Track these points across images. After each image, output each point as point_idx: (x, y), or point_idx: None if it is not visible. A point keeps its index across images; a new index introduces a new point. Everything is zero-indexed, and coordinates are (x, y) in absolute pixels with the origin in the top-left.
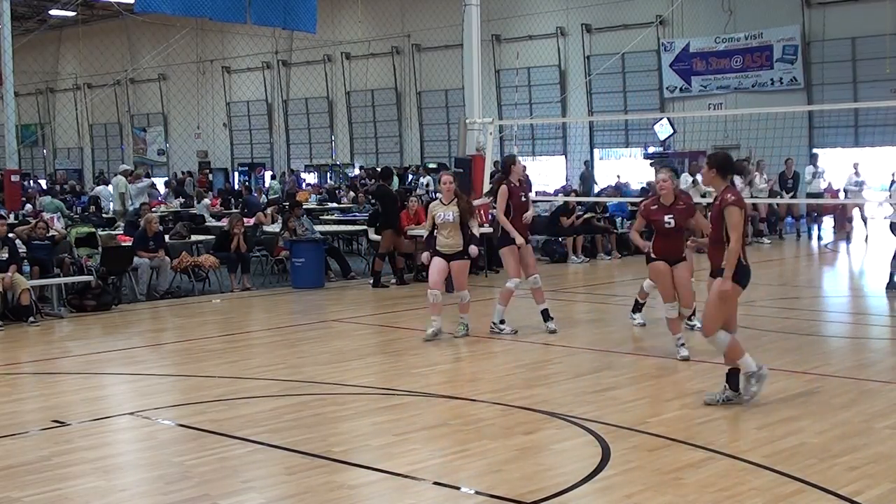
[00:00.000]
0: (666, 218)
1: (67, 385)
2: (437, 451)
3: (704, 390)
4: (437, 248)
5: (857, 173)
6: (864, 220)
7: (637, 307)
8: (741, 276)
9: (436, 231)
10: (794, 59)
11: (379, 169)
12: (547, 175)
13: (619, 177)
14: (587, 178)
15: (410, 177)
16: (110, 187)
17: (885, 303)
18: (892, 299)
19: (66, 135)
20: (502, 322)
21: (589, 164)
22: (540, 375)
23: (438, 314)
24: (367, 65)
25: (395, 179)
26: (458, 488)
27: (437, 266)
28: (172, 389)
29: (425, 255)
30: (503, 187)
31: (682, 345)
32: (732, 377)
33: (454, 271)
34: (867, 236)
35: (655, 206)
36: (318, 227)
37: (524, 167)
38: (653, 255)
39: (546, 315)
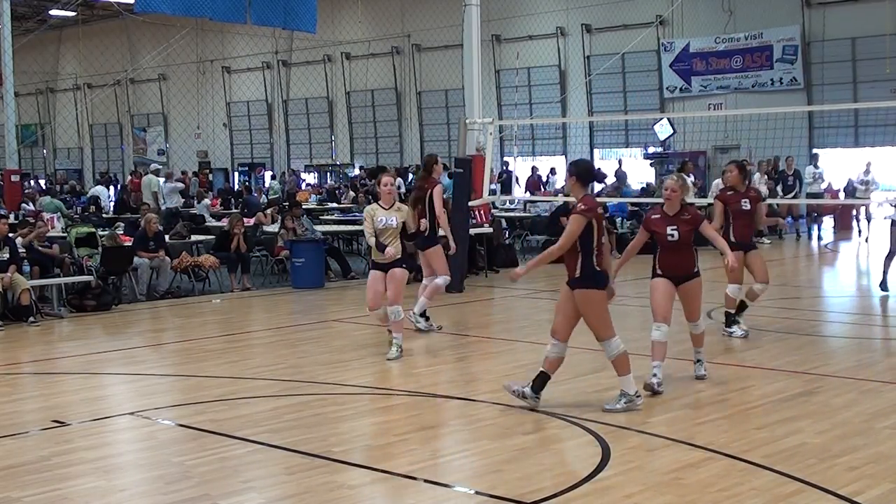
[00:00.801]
0: (668, 230)
1: (67, 385)
2: (437, 451)
3: (704, 390)
4: (373, 257)
5: (867, 171)
6: (868, 219)
7: (731, 320)
8: (597, 281)
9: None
10: (794, 59)
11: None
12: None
13: (620, 162)
14: (622, 177)
15: (410, 176)
16: (105, 189)
17: (886, 303)
18: (885, 299)
19: (66, 135)
20: (423, 315)
21: (621, 163)
22: None
23: (399, 331)
24: (367, 65)
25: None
26: (458, 488)
27: (372, 283)
28: (172, 389)
29: (388, 250)
30: (439, 186)
31: (655, 375)
32: (539, 380)
33: (389, 280)
34: (867, 237)
35: (658, 216)
36: (319, 227)
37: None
38: (658, 271)
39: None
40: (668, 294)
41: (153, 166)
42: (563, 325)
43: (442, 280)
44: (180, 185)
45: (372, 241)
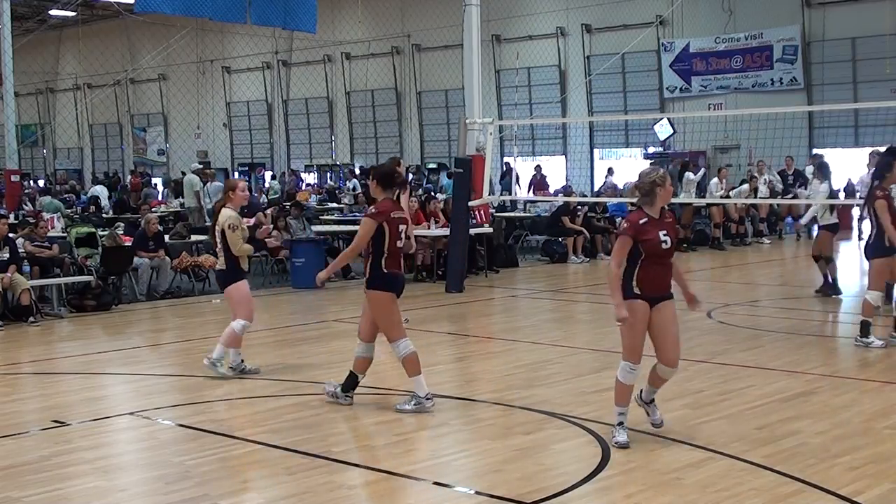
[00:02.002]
0: (661, 235)
1: (67, 385)
2: (437, 451)
3: (704, 390)
4: (244, 267)
5: (869, 172)
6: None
7: (866, 329)
8: (385, 283)
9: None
10: (794, 59)
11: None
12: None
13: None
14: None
15: (411, 176)
16: (104, 189)
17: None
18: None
19: (66, 135)
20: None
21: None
22: (540, 375)
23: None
24: (367, 65)
25: None
26: (459, 488)
27: (244, 291)
28: (172, 389)
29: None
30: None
31: (622, 424)
32: (351, 379)
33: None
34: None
35: (645, 220)
36: (319, 228)
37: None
38: (637, 290)
39: None
40: (646, 324)
41: (194, 166)
42: (365, 326)
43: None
44: (219, 183)
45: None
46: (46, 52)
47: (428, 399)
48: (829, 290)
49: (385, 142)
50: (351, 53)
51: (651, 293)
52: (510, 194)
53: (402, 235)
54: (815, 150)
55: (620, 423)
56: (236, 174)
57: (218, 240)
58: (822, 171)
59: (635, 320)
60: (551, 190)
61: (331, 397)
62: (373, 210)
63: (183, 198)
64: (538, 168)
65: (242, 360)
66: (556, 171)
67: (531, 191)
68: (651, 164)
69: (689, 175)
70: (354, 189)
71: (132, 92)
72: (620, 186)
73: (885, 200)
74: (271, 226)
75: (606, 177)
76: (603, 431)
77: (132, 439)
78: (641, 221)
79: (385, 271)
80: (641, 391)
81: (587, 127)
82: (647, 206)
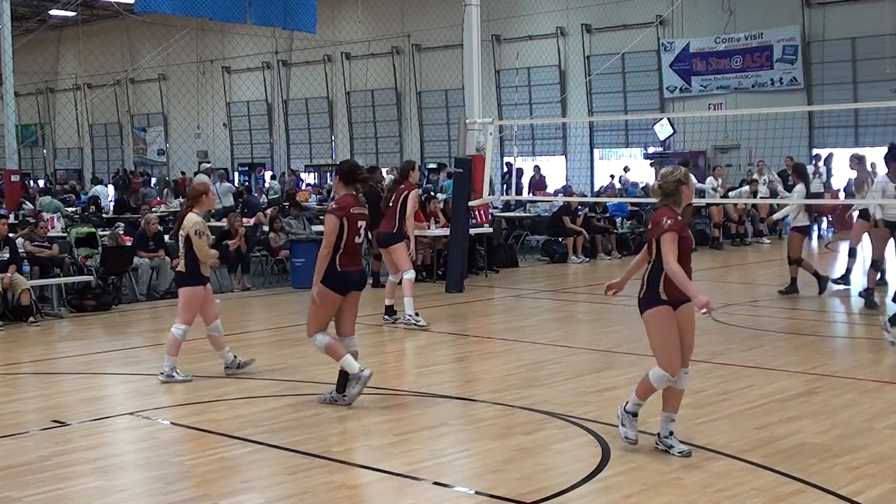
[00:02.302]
0: (689, 233)
1: (67, 385)
2: (437, 451)
3: (704, 390)
4: (203, 272)
5: (874, 173)
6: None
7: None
8: (334, 281)
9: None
10: (794, 59)
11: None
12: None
13: (612, 176)
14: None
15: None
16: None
17: (886, 303)
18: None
19: (66, 135)
20: (417, 314)
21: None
22: (540, 375)
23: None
24: (367, 65)
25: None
26: (459, 488)
27: (196, 297)
28: (172, 389)
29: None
30: (416, 191)
31: (635, 416)
32: (341, 378)
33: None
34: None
35: (679, 218)
36: (319, 227)
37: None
38: (664, 297)
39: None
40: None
41: (204, 166)
42: (338, 321)
43: (409, 275)
44: (233, 186)
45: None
46: (46, 52)
47: (344, 396)
48: (820, 284)
49: (385, 142)
50: (351, 53)
51: (675, 296)
52: (516, 193)
53: (362, 232)
54: (815, 150)
55: (635, 415)
56: (236, 174)
57: (181, 244)
58: (799, 173)
59: (670, 329)
60: (551, 190)
61: (329, 403)
62: (333, 205)
63: (183, 198)
64: (537, 168)
65: (235, 357)
66: (556, 171)
67: (530, 191)
68: (651, 164)
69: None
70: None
71: (132, 92)
72: (640, 184)
73: None
74: (240, 241)
75: (621, 175)
76: (603, 431)
77: (132, 439)
78: (678, 219)
79: (339, 269)
80: (626, 403)
81: (587, 127)
82: (674, 205)
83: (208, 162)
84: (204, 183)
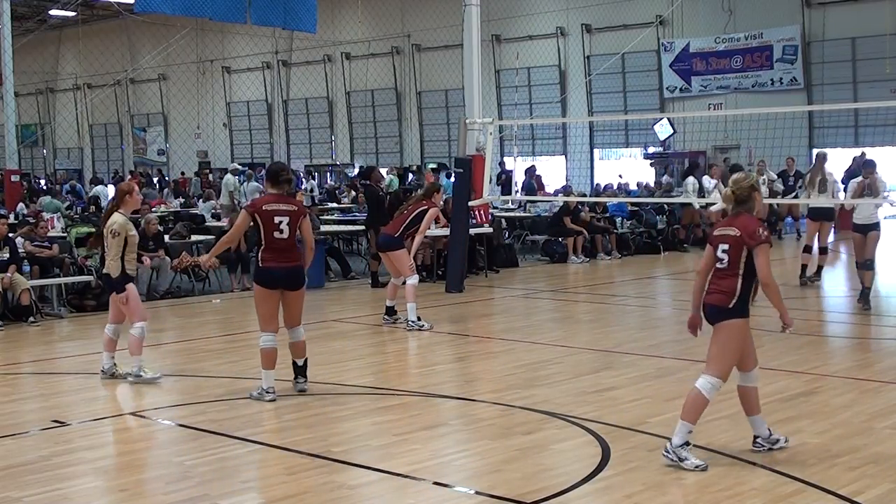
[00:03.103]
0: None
1: (67, 385)
2: (437, 451)
3: None
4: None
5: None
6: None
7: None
8: (258, 276)
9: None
10: (794, 59)
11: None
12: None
13: (621, 176)
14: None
15: (411, 176)
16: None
17: (886, 303)
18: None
19: (66, 135)
20: (419, 318)
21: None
22: (540, 375)
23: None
24: (367, 65)
25: (395, 179)
26: (459, 488)
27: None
28: (172, 389)
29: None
30: (435, 210)
31: (688, 444)
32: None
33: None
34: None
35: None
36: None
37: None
38: (748, 308)
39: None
40: None
41: (232, 166)
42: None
43: (413, 280)
44: (260, 185)
45: None
46: (46, 52)
47: (268, 392)
48: None
49: (385, 142)
50: (351, 53)
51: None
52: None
53: (283, 228)
54: (815, 150)
55: (687, 444)
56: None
57: (106, 243)
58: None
59: (745, 342)
60: (550, 190)
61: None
62: (247, 202)
63: (183, 198)
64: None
65: (115, 364)
66: (556, 171)
67: (524, 191)
68: (651, 164)
69: (693, 179)
70: (312, 190)
71: (132, 92)
72: (643, 183)
73: None
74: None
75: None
76: (603, 431)
77: (132, 439)
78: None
79: (260, 265)
80: (673, 440)
81: (587, 127)
82: (749, 212)
83: (244, 166)
84: (128, 182)
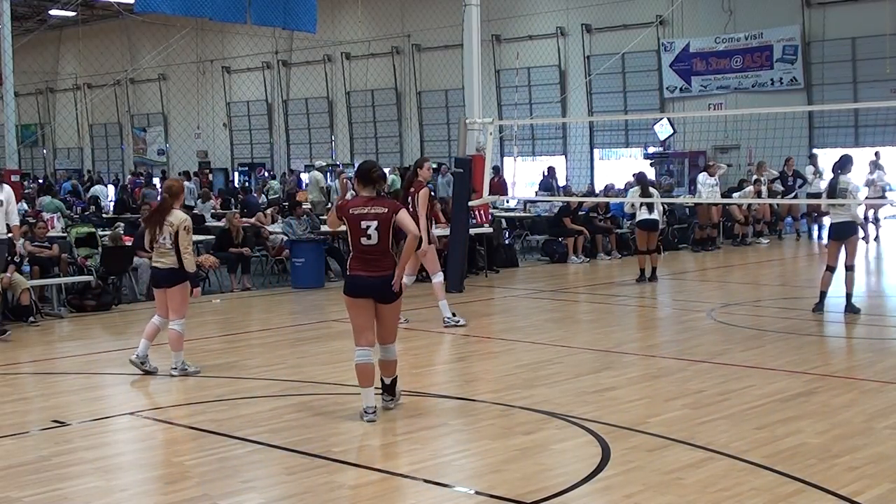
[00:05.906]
0: None
1: (67, 385)
2: (437, 451)
3: (704, 390)
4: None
5: (871, 171)
6: (875, 220)
7: None
8: (345, 283)
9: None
10: (794, 59)
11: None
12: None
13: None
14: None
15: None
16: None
17: (886, 303)
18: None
19: (66, 135)
20: (454, 315)
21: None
22: (540, 375)
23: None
24: (367, 65)
25: (396, 179)
26: (459, 488)
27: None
28: (172, 389)
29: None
30: (426, 190)
31: None
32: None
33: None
34: (876, 237)
35: None
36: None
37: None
38: None
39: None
40: None
41: (318, 163)
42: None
43: (438, 277)
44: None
45: None
46: (46, 52)
47: (367, 412)
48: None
49: (385, 142)
50: (351, 53)
51: None
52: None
53: (371, 234)
54: (814, 150)
55: None
56: (236, 174)
57: (164, 238)
58: None
59: None
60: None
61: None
62: (338, 201)
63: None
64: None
65: (148, 356)
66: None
67: (542, 191)
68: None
69: (705, 177)
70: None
71: (132, 92)
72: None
73: None
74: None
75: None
76: (603, 431)
77: (132, 439)
78: None
79: (348, 272)
80: None
81: (587, 127)
82: None
83: (266, 166)
84: (179, 181)
